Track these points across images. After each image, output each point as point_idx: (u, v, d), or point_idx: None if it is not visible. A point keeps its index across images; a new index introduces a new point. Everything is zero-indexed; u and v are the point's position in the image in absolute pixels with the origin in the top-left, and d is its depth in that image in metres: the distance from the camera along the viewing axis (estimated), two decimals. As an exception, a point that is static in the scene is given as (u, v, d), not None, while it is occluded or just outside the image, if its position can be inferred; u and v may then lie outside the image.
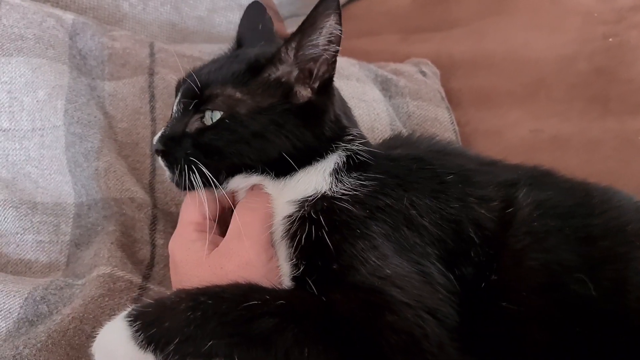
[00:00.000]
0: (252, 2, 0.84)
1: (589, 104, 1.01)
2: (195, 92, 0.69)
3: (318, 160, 0.69)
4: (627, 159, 0.94)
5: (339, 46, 0.68)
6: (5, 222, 0.82)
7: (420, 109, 1.02)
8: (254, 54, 0.73)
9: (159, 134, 0.72)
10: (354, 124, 0.76)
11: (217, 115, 0.69)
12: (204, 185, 0.68)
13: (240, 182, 0.71)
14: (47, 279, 0.78)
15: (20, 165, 0.85)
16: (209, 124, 0.69)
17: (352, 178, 0.67)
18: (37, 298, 0.74)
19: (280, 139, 0.68)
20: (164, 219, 0.88)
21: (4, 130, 0.85)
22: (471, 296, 0.62)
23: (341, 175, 0.67)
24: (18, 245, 0.82)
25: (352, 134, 0.71)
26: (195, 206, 0.72)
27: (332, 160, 0.69)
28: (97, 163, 0.88)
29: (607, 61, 1.06)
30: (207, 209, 0.70)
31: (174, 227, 0.86)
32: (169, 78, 0.96)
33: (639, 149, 0.95)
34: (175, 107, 0.72)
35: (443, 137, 0.98)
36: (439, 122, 1.02)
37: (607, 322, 0.60)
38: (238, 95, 0.69)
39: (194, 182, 0.68)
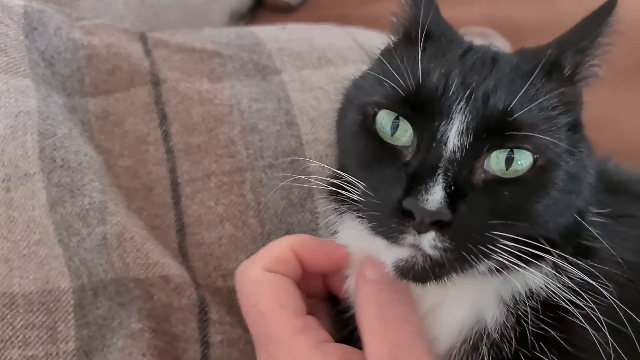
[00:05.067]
0: None
1: None
2: (503, 119, 0.46)
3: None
4: None
5: None
6: None
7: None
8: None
9: (433, 187, 0.43)
10: None
11: (528, 159, 0.46)
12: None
13: None
14: None
15: (-22, 239, 0.57)
16: (508, 172, 0.46)
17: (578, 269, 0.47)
18: None
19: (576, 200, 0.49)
20: (214, 302, 0.61)
21: (-52, 189, 0.57)
22: None
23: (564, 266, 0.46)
24: (-2, 369, 0.55)
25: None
26: (278, 308, 0.49)
27: None
28: (103, 228, 0.60)
29: None
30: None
31: (230, 311, 0.61)
32: (182, 88, 0.68)
33: None
34: (455, 139, 0.45)
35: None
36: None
37: None
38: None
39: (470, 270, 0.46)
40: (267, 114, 0.68)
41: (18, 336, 0.56)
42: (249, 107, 0.68)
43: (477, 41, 0.66)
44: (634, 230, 0.53)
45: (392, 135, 0.47)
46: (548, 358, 0.46)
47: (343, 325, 0.55)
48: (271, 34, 0.77)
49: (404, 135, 0.47)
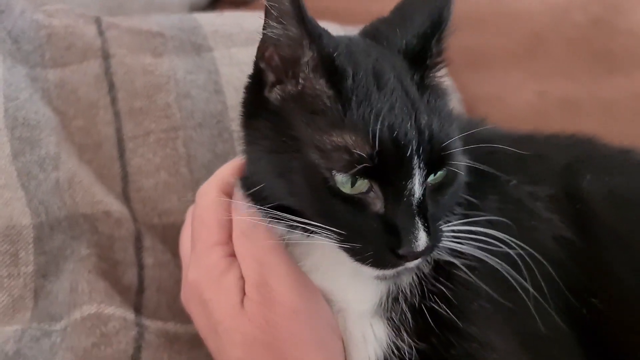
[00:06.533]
0: None
1: (592, 60, 0.93)
2: (441, 155, 0.53)
3: None
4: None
5: None
6: None
7: (421, 78, 0.90)
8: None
9: (418, 233, 0.51)
10: None
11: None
12: None
13: None
14: (17, 327, 0.63)
15: (-46, 183, 0.68)
16: (435, 178, 0.54)
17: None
18: (10, 354, 0.60)
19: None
20: (149, 234, 0.73)
21: None
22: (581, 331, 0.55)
23: None
24: (-31, 286, 0.66)
25: None
26: (215, 223, 0.59)
27: None
28: (57, 173, 0.72)
29: (602, 10, 0.98)
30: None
31: (163, 241, 0.73)
32: (128, 61, 0.80)
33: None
34: (419, 188, 0.52)
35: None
36: (441, 92, 0.91)
37: None
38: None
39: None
40: (199, 84, 0.80)
41: None
42: (184, 77, 0.80)
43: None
44: (497, 189, 0.61)
45: (351, 188, 0.51)
46: (441, 309, 0.55)
47: None
48: (209, 19, 0.89)
49: (362, 185, 0.51)
